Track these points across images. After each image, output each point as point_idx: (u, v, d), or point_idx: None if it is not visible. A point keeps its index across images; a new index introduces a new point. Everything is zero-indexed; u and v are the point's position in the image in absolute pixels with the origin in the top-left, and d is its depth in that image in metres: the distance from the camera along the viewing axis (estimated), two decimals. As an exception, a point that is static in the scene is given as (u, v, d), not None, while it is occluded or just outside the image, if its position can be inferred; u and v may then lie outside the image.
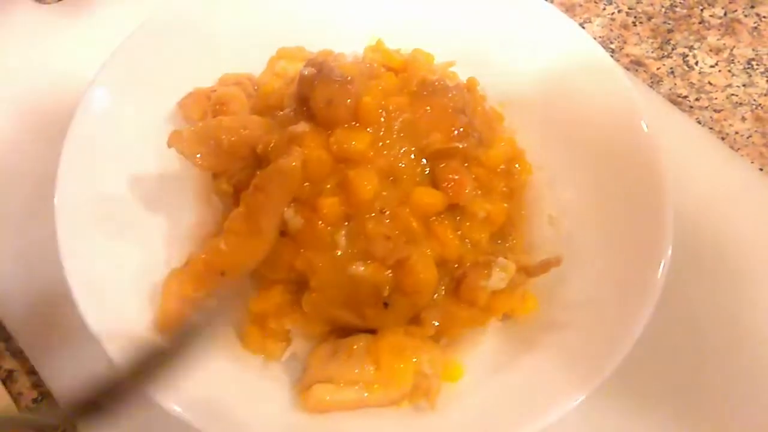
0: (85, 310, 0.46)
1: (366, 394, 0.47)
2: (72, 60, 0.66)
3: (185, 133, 0.50)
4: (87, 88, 0.55)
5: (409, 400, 0.49)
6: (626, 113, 0.57)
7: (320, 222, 0.47)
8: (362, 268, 0.46)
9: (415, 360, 0.48)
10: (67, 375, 0.54)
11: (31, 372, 0.55)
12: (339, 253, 0.47)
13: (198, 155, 0.49)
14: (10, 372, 0.56)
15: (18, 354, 0.56)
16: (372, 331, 0.49)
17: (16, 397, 0.55)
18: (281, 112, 0.53)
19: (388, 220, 0.48)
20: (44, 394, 0.55)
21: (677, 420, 0.56)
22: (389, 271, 0.47)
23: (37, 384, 0.55)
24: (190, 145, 0.49)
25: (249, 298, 0.51)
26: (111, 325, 0.47)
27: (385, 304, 0.47)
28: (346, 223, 0.48)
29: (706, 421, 0.56)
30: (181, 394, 0.44)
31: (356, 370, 0.47)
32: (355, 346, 0.47)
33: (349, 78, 0.49)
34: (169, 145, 0.50)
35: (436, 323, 0.49)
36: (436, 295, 0.49)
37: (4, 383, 0.56)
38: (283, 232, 0.49)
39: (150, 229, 0.53)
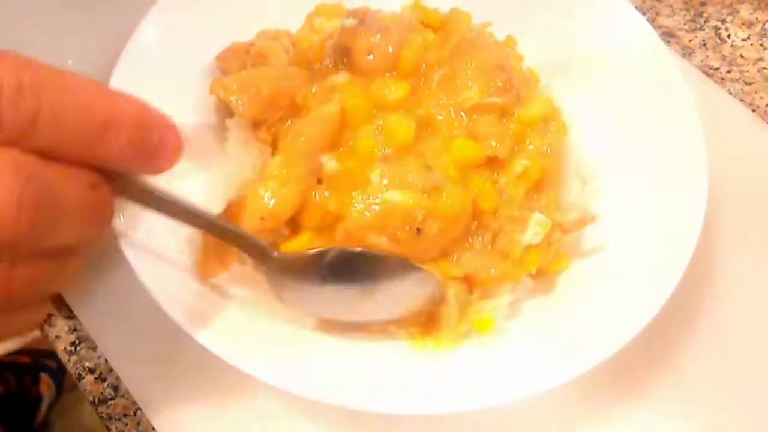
0: (127, 252, 0.47)
1: None
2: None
3: (227, 80, 0.50)
4: (128, 41, 0.56)
5: (423, 333, 0.50)
6: (659, 75, 0.58)
7: (355, 163, 0.48)
8: (397, 193, 0.47)
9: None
10: (105, 319, 0.55)
11: (69, 317, 0.57)
12: (374, 184, 0.48)
13: (240, 101, 0.50)
14: (48, 316, 0.57)
15: (55, 298, 0.57)
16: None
17: (53, 341, 0.56)
18: (320, 64, 0.53)
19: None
20: (82, 339, 0.56)
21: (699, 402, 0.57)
22: (424, 196, 0.47)
23: (75, 328, 0.56)
24: (233, 92, 0.50)
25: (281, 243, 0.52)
26: (152, 268, 0.48)
27: (418, 230, 0.47)
28: (383, 164, 0.48)
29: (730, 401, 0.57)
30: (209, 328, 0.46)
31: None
32: None
33: (390, 28, 0.49)
34: (212, 92, 0.50)
35: (466, 261, 0.50)
36: (470, 244, 0.50)
37: (42, 328, 0.57)
38: (320, 180, 0.49)
39: (189, 177, 0.54)
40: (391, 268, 0.49)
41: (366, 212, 0.47)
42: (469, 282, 0.51)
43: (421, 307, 0.50)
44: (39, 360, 1.24)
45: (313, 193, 0.49)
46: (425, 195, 0.47)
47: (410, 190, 0.47)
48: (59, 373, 1.23)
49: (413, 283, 0.49)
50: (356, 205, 0.48)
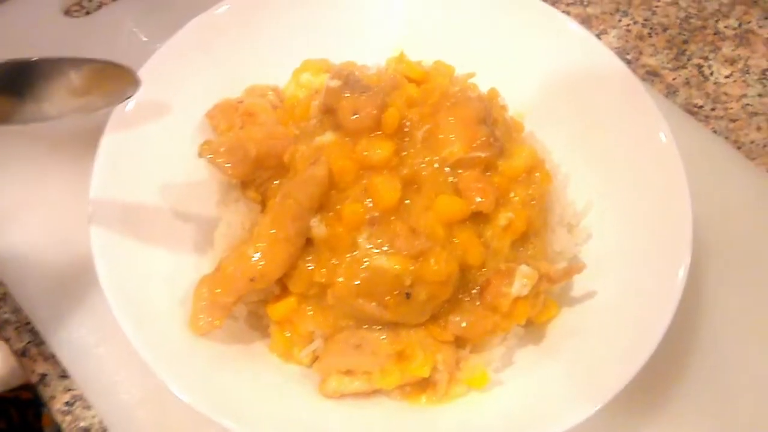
0: (119, 315, 0.48)
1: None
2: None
3: (215, 143, 0.51)
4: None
5: (417, 391, 0.51)
6: (644, 123, 0.58)
7: (342, 228, 0.49)
8: (384, 259, 0.48)
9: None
10: (98, 378, 0.56)
11: (63, 376, 0.57)
12: (363, 248, 0.48)
13: (228, 165, 0.51)
14: (43, 376, 0.57)
15: (50, 358, 0.57)
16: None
17: (48, 401, 0.57)
18: (307, 123, 0.54)
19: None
20: (76, 397, 0.56)
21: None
22: (412, 262, 0.48)
23: (69, 387, 0.57)
24: (221, 154, 0.51)
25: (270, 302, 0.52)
26: (143, 329, 0.48)
27: (407, 295, 0.48)
28: (370, 228, 0.49)
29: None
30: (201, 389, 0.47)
31: (377, 366, 0.49)
32: (382, 337, 0.49)
33: (374, 89, 0.51)
34: (200, 155, 0.51)
35: (455, 325, 0.50)
36: (459, 299, 0.50)
37: (36, 387, 0.58)
38: (309, 240, 0.50)
39: (179, 236, 0.55)
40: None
41: (354, 278, 0.48)
42: (460, 338, 0.51)
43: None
44: (41, 396, 1.24)
45: (301, 261, 0.50)
46: (412, 260, 0.47)
47: (398, 256, 0.47)
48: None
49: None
50: (344, 271, 0.48)
